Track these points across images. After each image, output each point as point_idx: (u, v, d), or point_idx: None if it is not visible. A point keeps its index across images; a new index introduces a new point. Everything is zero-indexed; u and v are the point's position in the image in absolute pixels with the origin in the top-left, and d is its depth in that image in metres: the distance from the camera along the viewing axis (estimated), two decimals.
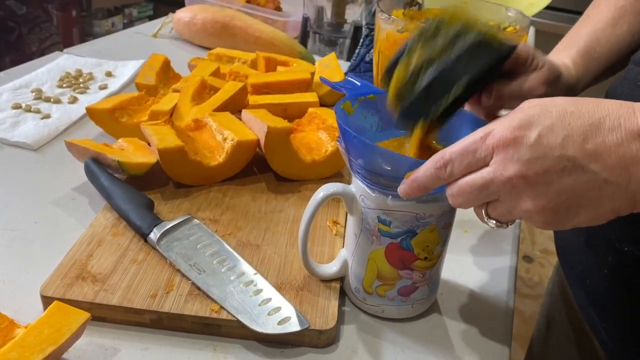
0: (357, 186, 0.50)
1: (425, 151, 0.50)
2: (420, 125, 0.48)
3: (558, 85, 0.58)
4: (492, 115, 0.57)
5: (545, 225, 0.40)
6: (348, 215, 0.54)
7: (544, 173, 0.38)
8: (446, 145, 0.43)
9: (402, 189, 0.45)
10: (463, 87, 0.44)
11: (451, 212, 0.50)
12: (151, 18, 3.13)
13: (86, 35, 2.91)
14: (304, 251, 0.53)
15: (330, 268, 0.55)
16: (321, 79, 0.61)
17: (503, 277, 0.62)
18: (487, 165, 0.40)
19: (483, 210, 0.42)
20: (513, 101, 0.56)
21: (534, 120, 0.38)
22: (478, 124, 0.46)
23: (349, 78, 0.57)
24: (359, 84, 0.56)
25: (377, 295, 0.53)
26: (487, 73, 0.46)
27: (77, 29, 2.86)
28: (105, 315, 0.51)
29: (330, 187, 0.51)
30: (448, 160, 0.41)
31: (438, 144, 0.52)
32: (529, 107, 0.40)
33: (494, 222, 0.42)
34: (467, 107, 0.57)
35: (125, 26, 3.06)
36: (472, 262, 0.64)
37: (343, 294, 0.57)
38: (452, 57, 0.45)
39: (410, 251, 0.50)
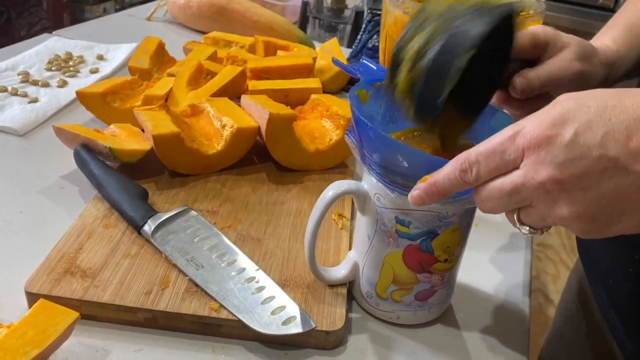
0: (370, 184, 0.46)
1: (450, 151, 0.46)
2: (440, 117, 0.43)
3: (594, 60, 0.53)
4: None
5: (583, 233, 0.36)
6: (358, 214, 0.50)
7: (580, 176, 0.33)
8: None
9: (416, 195, 0.40)
10: (473, 51, 0.39)
11: (473, 210, 0.46)
12: (144, 2, 3.05)
13: (77, 20, 2.84)
14: (311, 256, 0.49)
15: (339, 271, 0.51)
16: (334, 61, 0.57)
17: (518, 274, 0.59)
18: (517, 167, 0.36)
19: (515, 216, 0.38)
20: (548, 88, 0.51)
21: (569, 116, 0.34)
22: (509, 121, 0.43)
23: (364, 61, 0.53)
24: (374, 67, 0.51)
25: (392, 300, 0.49)
26: (497, 41, 0.42)
27: (67, 14, 2.80)
28: (95, 314, 0.48)
29: (341, 185, 0.47)
30: (474, 162, 0.37)
31: (466, 142, 0.48)
32: (563, 101, 0.36)
33: (527, 228, 0.38)
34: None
35: (118, 12, 2.99)
36: (485, 259, 0.61)
37: (351, 298, 0.53)
38: (452, 28, 0.40)
39: (430, 253, 0.46)
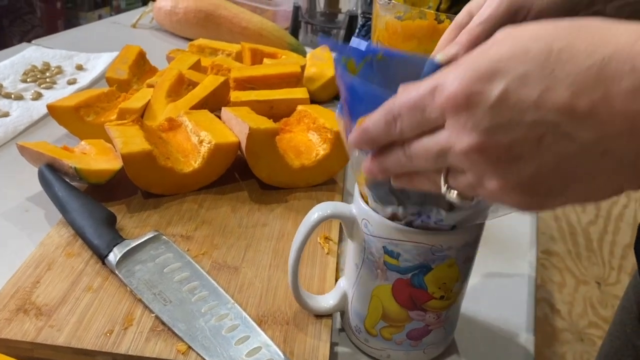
0: (359, 208, 0.41)
1: None
2: None
3: None
4: None
5: (520, 207, 0.30)
6: (348, 239, 0.45)
7: (510, 146, 0.27)
8: None
9: (351, 136, 0.34)
10: None
11: (474, 243, 0.41)
12: (135, 9, 3.02)
13: (71, 27, 2.81)
14: (295, 282, 0.44)
15: (327, 301, 0.46)
16: (320, 39, 0.51)
17: (521, 303, 0.54)
18: (442, 126, 0.29)
19: (442, 177, 0.31)
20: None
21: (500, 66, 0.26)
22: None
23: (355, 38, 0.46)
24: (363, 49, 0.45)
25: (382, 338, 0.44)
26: None
27: (61, 22, 2.76)
28: (49, 358, 0.43)
29: (326, 207, 0.42)
30: (397, 115, 0.31)
31: None
32: (500, 41, 0.28)
33: (455, 193, 0.31)
34: None
35: None
36: (486, 284, 0.56)
37: (341, 330, 0.48)
38: None
39: (423, 289, 0.41)
